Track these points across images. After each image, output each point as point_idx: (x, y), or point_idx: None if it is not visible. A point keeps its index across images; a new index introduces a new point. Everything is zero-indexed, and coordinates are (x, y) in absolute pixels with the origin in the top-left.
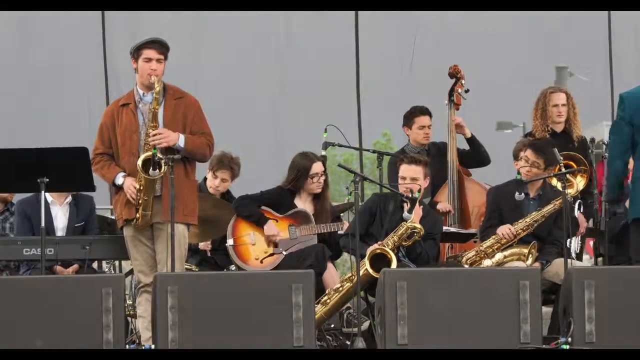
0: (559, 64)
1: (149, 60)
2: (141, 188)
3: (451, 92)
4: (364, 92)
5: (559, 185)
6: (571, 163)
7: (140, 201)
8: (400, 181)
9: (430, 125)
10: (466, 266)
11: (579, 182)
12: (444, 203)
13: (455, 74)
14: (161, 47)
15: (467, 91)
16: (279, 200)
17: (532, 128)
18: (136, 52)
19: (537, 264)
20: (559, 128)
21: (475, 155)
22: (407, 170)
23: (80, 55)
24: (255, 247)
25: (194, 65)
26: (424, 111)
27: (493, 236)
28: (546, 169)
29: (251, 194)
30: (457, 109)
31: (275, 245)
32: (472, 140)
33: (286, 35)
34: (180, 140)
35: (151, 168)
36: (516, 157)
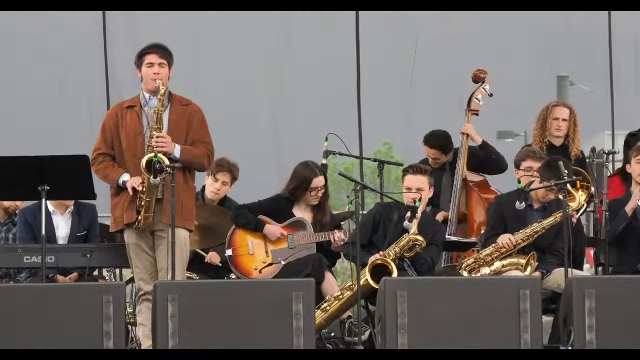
0: (559, 73)
1: (151, 65)
2: (144, 189)
3: (470, 98)
4: (364, 101)
5: (560, 196)
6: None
7: (142, 202)
8: (405, 191)
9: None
10: (465, 273)
11: (581, 196)
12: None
13: (477, 80)
14: (163, 52)
15: (491, 95)
16: (277, 209)
17: (532, 138)
18: (139, 60)
19: (537, 273)
20: (557, 142)
21: (488, 162)
22: (413, 181)
23: (81, 60)
24: (253, 257)
25: (193, 67)
26: (426, 140)
27: (493, 245)
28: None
29: (248, 203)
30: (476, 114)
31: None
32: (483, 147)
33: (286, 35)
34: (176, 150)
35: (152, 175)
36: (517, 165)
